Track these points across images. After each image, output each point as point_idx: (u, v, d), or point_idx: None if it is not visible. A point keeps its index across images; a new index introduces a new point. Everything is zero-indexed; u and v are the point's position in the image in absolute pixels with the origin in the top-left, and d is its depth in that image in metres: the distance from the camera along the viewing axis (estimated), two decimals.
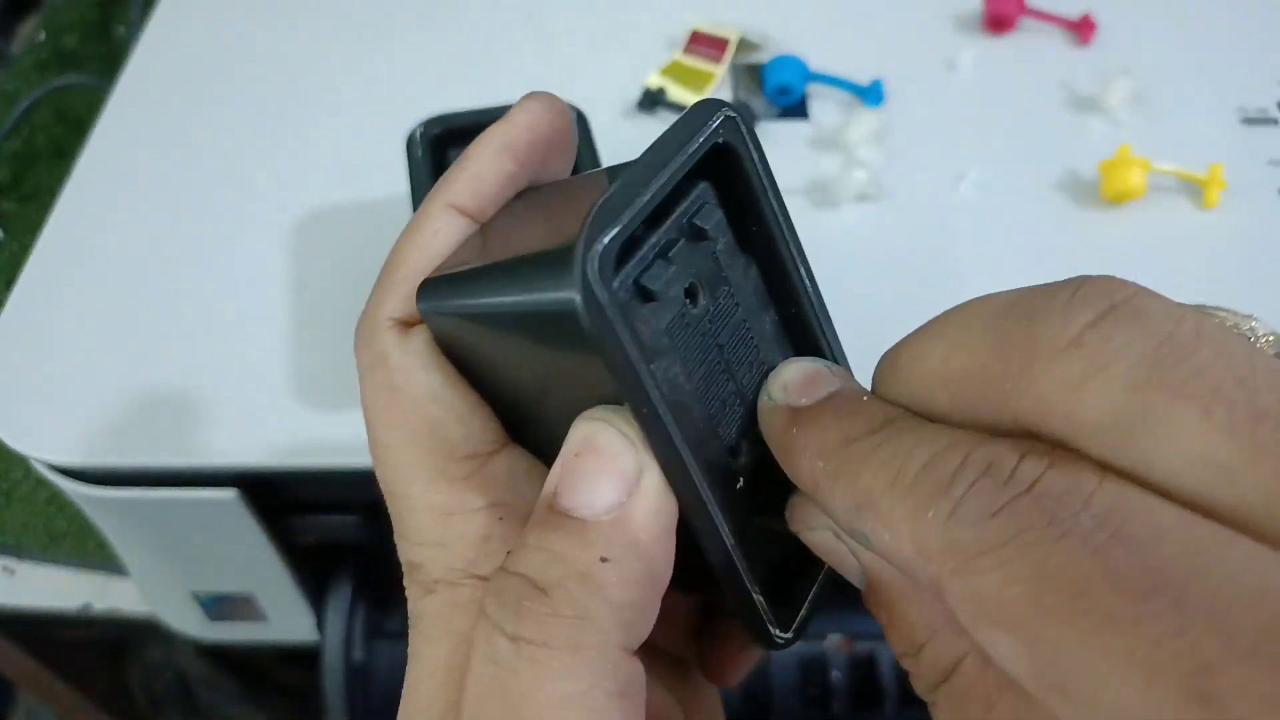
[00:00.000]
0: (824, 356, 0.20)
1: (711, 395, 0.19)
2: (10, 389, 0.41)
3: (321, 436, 0.39)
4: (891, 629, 0.17)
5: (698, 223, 0.18)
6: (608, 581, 0.16)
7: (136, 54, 0.55)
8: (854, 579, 0.18)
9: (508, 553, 0.18)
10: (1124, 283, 0.15)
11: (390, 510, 0.20)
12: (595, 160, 0.40)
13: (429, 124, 0.40)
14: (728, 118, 0.18)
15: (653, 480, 0.17)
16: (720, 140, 0.18)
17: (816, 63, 0.51)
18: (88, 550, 0.55)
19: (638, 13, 0.56)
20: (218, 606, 0.49)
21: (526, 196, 0.21)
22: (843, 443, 0.17)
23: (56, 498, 0.56)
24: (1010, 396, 0.15)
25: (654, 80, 0.51)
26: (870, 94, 0.50)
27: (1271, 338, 0.16)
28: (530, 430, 0.20)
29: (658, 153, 0.17)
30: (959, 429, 0.16)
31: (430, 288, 0.20)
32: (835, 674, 0.49)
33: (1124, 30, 0.54)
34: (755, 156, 0.19)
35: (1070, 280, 0.16)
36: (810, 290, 0.20)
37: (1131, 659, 0.12)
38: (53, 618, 0.55)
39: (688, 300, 0.18)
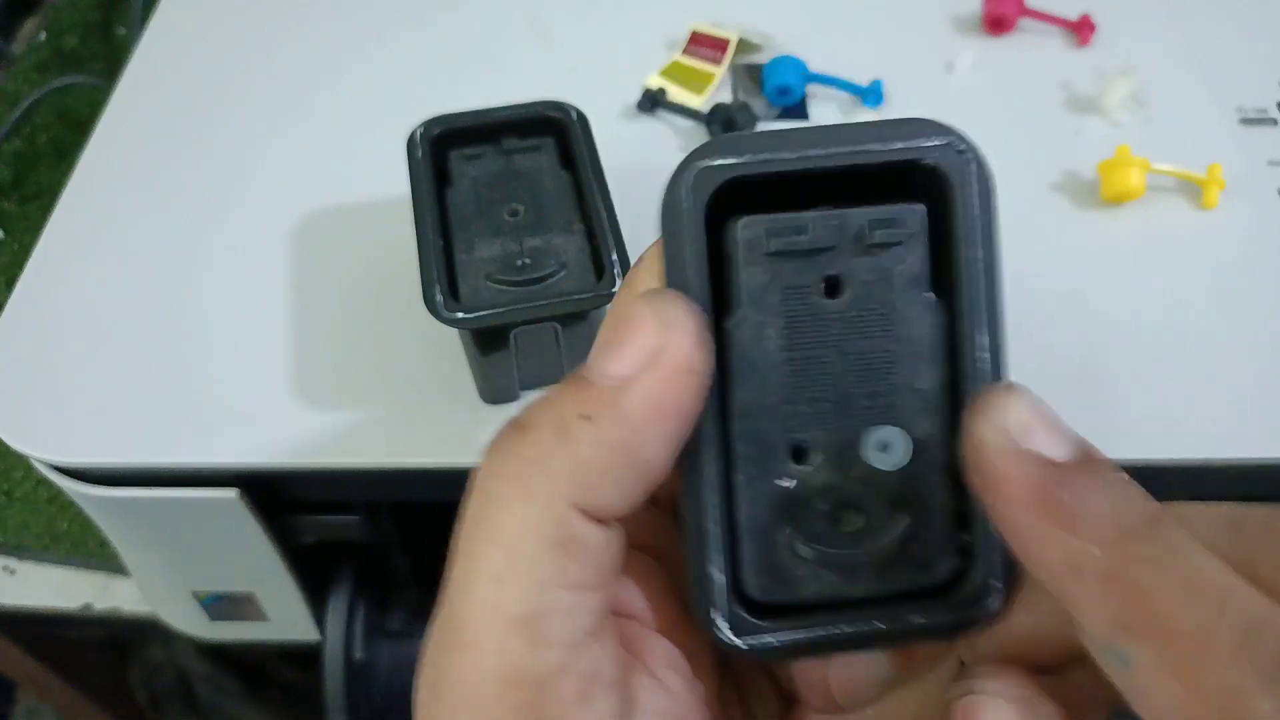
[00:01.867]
0: None
1: (801, 385, 0.18)
2: (11, 389, 0.41)
3: (322, 436, 0.39)
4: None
5: (870, 226, 0.18)
6: (580, 437, 0.17)
7: (137, 54, 0.55)
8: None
9: None
10: None
11: None
12: (595, 160, 0.40)
13: (429, 124, 0.40)
14: (952, 146, 0.18)
15: (673, 363, 0.17)
16: (930, 163, 0.18)
17: (816, 63, 0.51)
18: (88, 550, 0.55)
19: (638, 13, 0.56)
20: (218, 606, 0.49)
21: None
22: (1125, 534, 0.14)
23: (57, 497, 0.56)
24: None
25: (654, 81, 0.52)
26: (870, 94, 0.50)
27: None
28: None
29: (838, 131, 0.17)
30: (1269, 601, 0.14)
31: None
32: None
33: (1123, 31, 0.54)
34: (977, 198, 0.18)
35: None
36: (989, 365, 0.18)
37: None
38: (54, 617, 0.55)
39: (823, 285, 0.18)
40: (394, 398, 0.40)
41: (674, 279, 0.18)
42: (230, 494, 0.40)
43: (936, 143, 0.18)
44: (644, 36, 0.54)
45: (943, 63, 0.53)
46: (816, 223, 0.18)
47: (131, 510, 0.42)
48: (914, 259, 0.18)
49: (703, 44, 0.53)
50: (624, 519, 0.18)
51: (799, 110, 0.51)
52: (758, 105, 0.51)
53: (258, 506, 0.42)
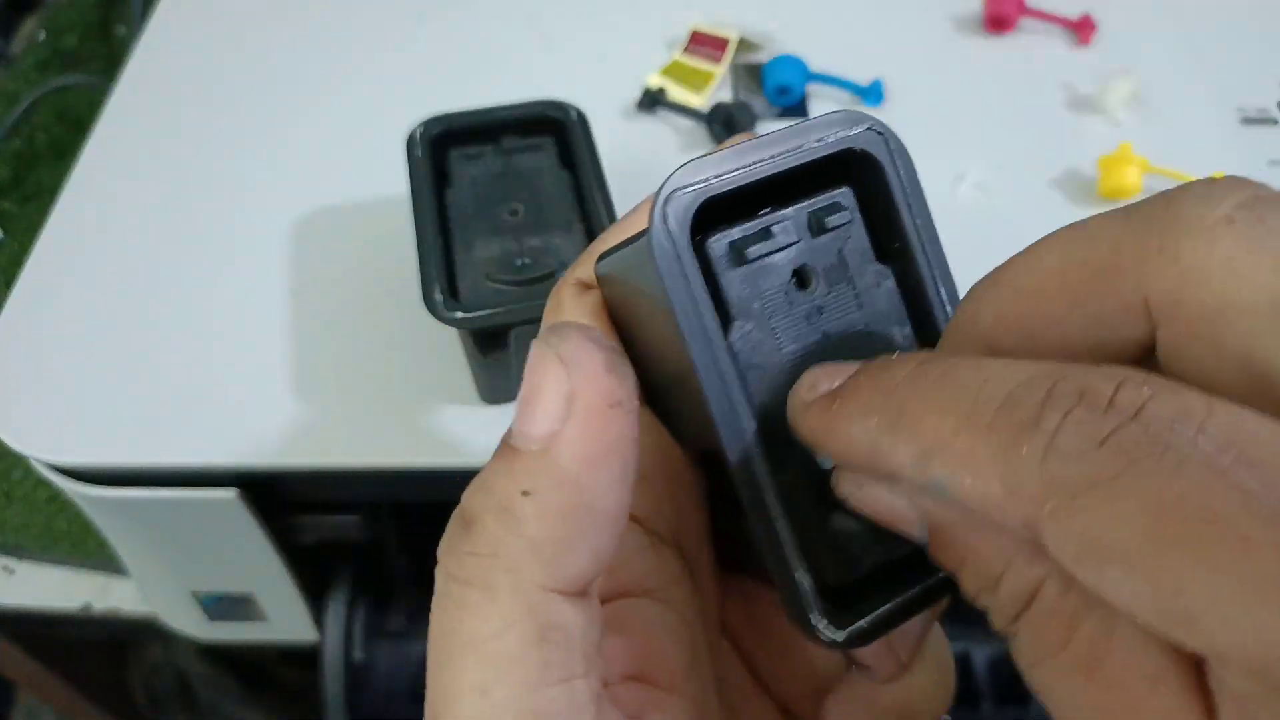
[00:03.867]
0: None
1: (790, 374, 0.19)
2: (10, 389, 0.41)
3: (321, 436, 0.39)
4: (964, 569, 0.16)
5: (820, 215, 0.19)
6: (525, 516, 0.16)
7: (137, 54, 0.55)
8: (914, 532, 0.17)
9: None
10: (1260, 182, 0.14)
11: None
12: (596, 160, 0.40)
13: (429, 124, 0.40)
14: (873, 130, 0.19)
15: (589, 403, 0.16)
16: (859, 149, 0.19)
17: (816, 63, 0.51)
18: (88, 550, 0.55)
19: (638, 13, 0.56)
20: (218, 606, 0.49)
21: None
22: (893, 389, 0.16)
23: (56, 497, 0.56)
24: (1149, 279, 0.14)
25: (654, 80, 0.51)
26: (870, 94, 0.50)
27: None
28: (661, 401, 0.21)
29: (777, 136, 0.19)
30: (1031, 361, 0.15)
31: (603, 254, 0.22)
32: None
33: (1123, 30, 0.54)
34: (901, 173, 0.20)
35: (1199, 180, 0.15)
36: (949, 311, 0.20)
37: (1268, 583, 0.11)
38: (53, 617, 0.55)
39: (794, 279, 0.19)
40: (393, 398, 0.40)
41: (683, 308, 0.18)
42: (229, 494, 0.40)
43: (861, 130, 0.19)
44: (644, 36, 0.54)
45: (943, 62, 0.52)
46: (777, 224, 0.19)
47: (131, 510, 0.42)
48: (858, 237, 0.20)
49: (703, 43, 0.53)
50: (598, 580, 0.17)
51: (799, 110, 0.51)
52: (758, 104, 0.51)
53: (257, 506, 0.41)
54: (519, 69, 0.53)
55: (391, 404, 0.40)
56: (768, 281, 0.19)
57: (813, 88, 0.51)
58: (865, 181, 0.20)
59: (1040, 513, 0.13)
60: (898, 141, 0.20)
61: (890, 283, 0.20)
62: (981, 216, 0.46)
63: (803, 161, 0.19)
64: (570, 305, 0.22)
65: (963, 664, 0.49)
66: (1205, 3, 0.56)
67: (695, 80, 0.52)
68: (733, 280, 0.19)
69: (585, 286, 0.22)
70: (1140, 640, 0.14)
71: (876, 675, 0.20)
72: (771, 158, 0.18)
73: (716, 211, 0.19)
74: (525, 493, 0.16)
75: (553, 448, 0.16)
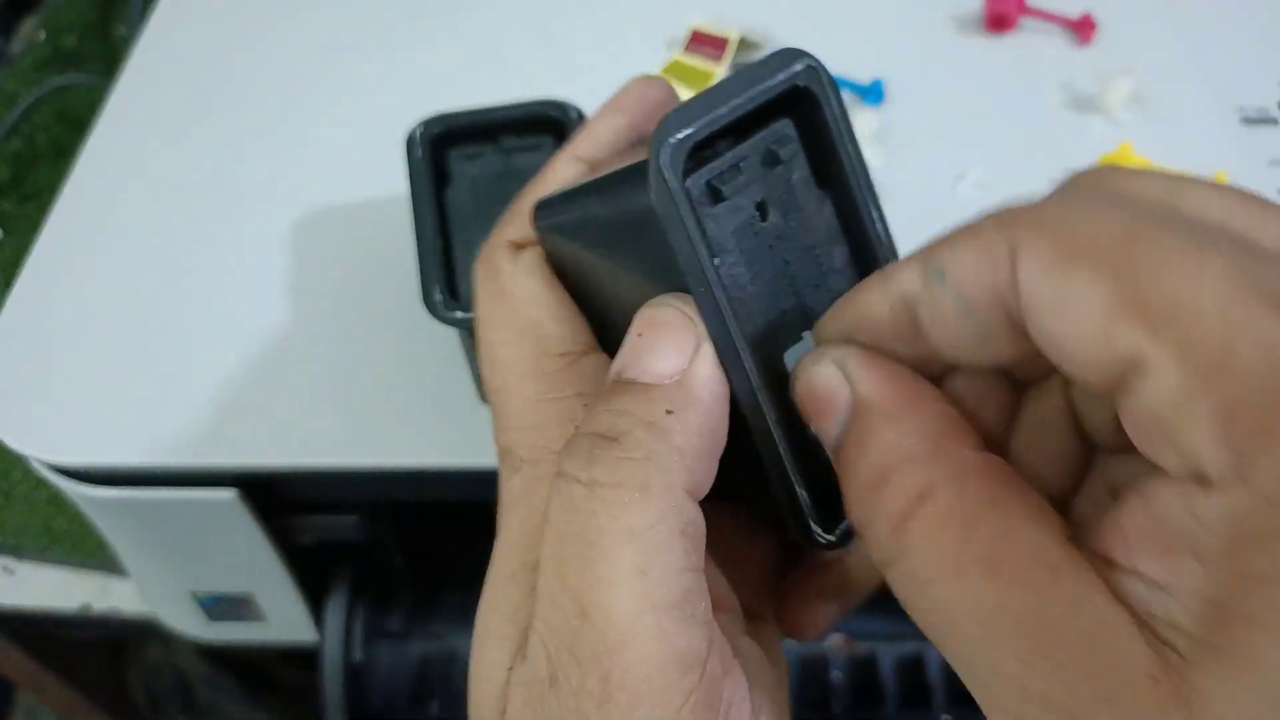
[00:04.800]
0: None
1: (774, 304, 0.21)
2: (10, 389, 0.41)
3: (321, 436, 0.39)
4: (861, 461, 0.18)
5: (773, 149, 0.21)
6: (672, 429, 0.18)
7: (136, 53, 0.55)
8: (834, 427, 0.19)
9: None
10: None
11: (492, 405, 0.23)
12: None
13: (429, 124, 0.40)
14: (809, 66, 0.21)
15: (710, 349, 0.19)
16: (800, 84, 0.21)
17: None
18: (87, 550, 0.55)
19: (638, 13, 0.56)
20: (217, 606, 0.49)
21: (637, 147, 0.24)
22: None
23: (56, 498, 0.56)
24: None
25: None
26: (871, 94, 0.50)
27: None
28: (615, 339, 0.22)
29: (735, 81, 0.20)
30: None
31: (543, 205, 0.23)
32: (835, 674, 0.49)
33: (1124, 30, 0.54)
34: (834, 104, 0.21)
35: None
36: (879, 228, 0.22)
37: (1214, 274, 0.13)
38: (52, 618, 0.55)
39: (757, 213, 0.21)
40: (393, 398, 0.40)
41: (683, 252, 0.19)
42: (229, 494, 0.40)
43: (801, 66, 0.21)
44: (644, 35, 0.54)
45: (944, 62, 0.52)
46: (743, 160, 0.20)
47: (130, 510, 0.42)
48: (800, 166, 0.21)
49: (703, 43, 0.53)
50: None
51: None
52: None
53: (256, 507, 0.41)
54: (519, 68, 0.53)
55: (391, 404, 0.40)
56: (738, 215, 0.20)
57: None
58: (804, 113, 0.21)
59: (1026, 236, 0.15)
60: (829, 75, 0.21)
61: (829, 207, 0.22)
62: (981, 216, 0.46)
63: (764, 101, 0.20)
64: (509, 268, 0.23)
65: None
66: (1206, 3, 0.55)
67: (695, 80, 0.52)
68: (712, 217, 0.20)
69: (518, 246, 0.23)
70: (1037, 533, 0.15)
71: (819, 560, 0.23)
72: (741, 100, 0.20)
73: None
74: (669, 411, 0.19)
75: (687, 380, 0.19)
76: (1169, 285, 0.13)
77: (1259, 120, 0.49)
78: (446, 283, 0.36)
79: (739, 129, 0.21)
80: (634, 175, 0.20)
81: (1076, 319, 0.14)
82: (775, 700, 0.19)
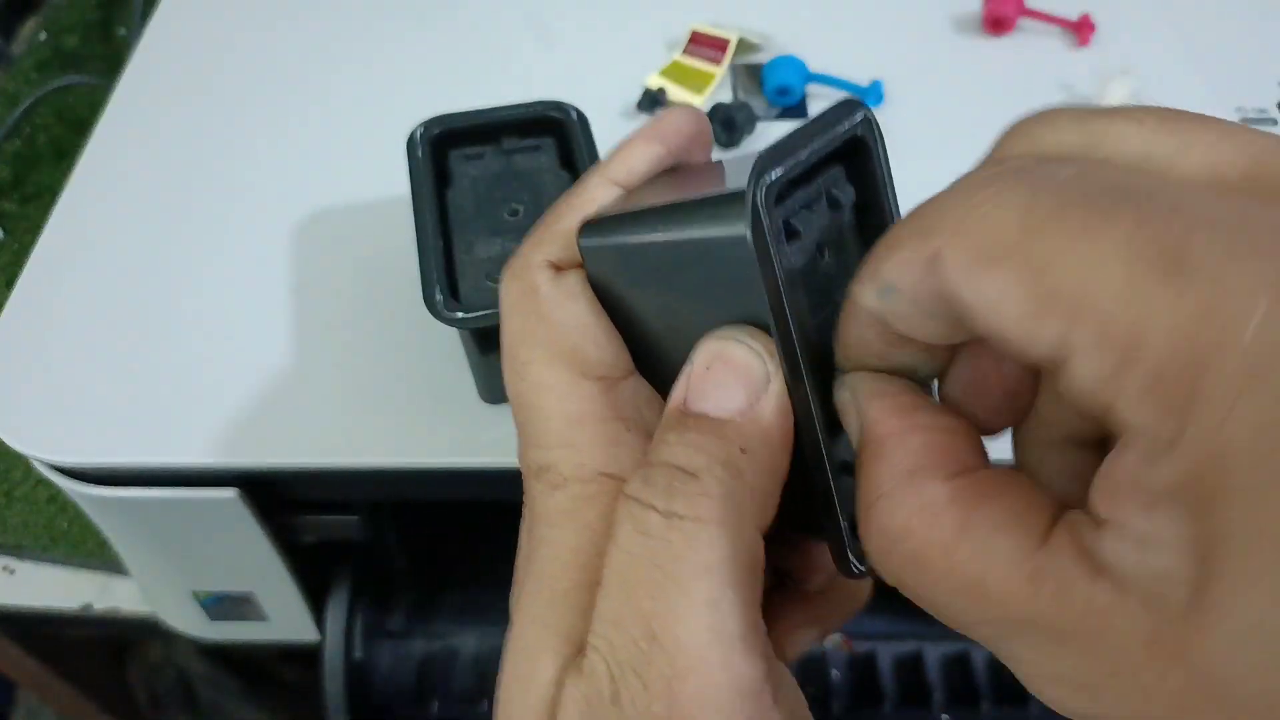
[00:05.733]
0: None
1: (826, 340, 0.21)
2: (10, 389, 0.41)
3: (322, 436, 0.39)
4: (858, 492, 0.18)
5: (835, 193, 0.22)
6: (747, 468, 0.19)
7: (137, 54, 0.55)
8: (853, 432, 0.19)
9: (647, 451, 0.20)
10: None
11: (519, 423, 0.23)
12: (596, 160, 0.40)
13: (429, 125, 0.40)
14: (866, 119, 0.22)
15: (778, 386, 0.20)
16: (859, 134, 0.22)
17: (816, 63, 0.51)
18: (88, 550, 0.55)
19: (638, 13, 0.56)
20: (218, 606, 0.49)
21: (667, 175, 0.25)
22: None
23: (57, 497, 0.56)
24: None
25: (654, 81, 0.52)
26: (870, 94, 0.50)
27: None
28: (658, 368, 0.23)
29: (809, 129, 0.21)
30: (992, 162, 0.18)
31: (594, 226, 0.23)
32: (835, 673, 0.49)
33: (1123, 31, 0.54)
34: (883, 154, 0.22)
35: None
36: None
37: (1109, 253, 0.14)
38: (53, 617, 0.55)
39: (819, 252, 0.21)
40: (394, 398, 0.40)
41: (769, 287, 0.20)
42: (230, 494, 0.40)
43: (860, 117, 0.22)
44: (644, 36, 0.54)
45: (943, 63, 0.52)
46: (814, 202, 0.21)
47: (131, 510, 0.42)
48: (849, 213, 0.22)
49: (703, 44, 0.53)
50: None
51: (799, 110, 0.51)
52: (757, 105, 0.51)
53: (257, 506, 0.42)
54: (519, 69, 0.53)
55: (392, 404, 0.40)
56: (805, 254, 0.21)
57: (812, 88, 0.51)
58: (855, 161, 0.22)
59: (941, 243, 0.16)
60: (879, 127, 0.22)
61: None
62: None
63: (835, 146, 0.21)
64: (550, 290, 0.23)
65: (962, 664, 0.49)
66: (1204, 3, 0.56)
67: (695, 81, 0.52)
68: (785, 255, 0.20)
69: (557, 267, 0.23)
70: (1013, 545, 0.16)
71: (806, 586, 0.25)
72: (817, 146, 0.21)
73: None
74: (743, 450, 0.19)
75: (757, 416, 0.20)
76: (1073, 272, 0.14)
77: (1258, 121, 0.49)
78: (447, 283, 0.36)
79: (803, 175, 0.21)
80: (724, 205, 0.20)
81: (1002, 318, 0.15)
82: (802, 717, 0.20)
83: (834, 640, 0.49)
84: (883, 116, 0.51)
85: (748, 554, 0.19)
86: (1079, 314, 0.14)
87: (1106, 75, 0.50)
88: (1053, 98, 0.51)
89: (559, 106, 0.41)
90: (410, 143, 0.40)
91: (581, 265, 0.23)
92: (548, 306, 0.22)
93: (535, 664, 0.20)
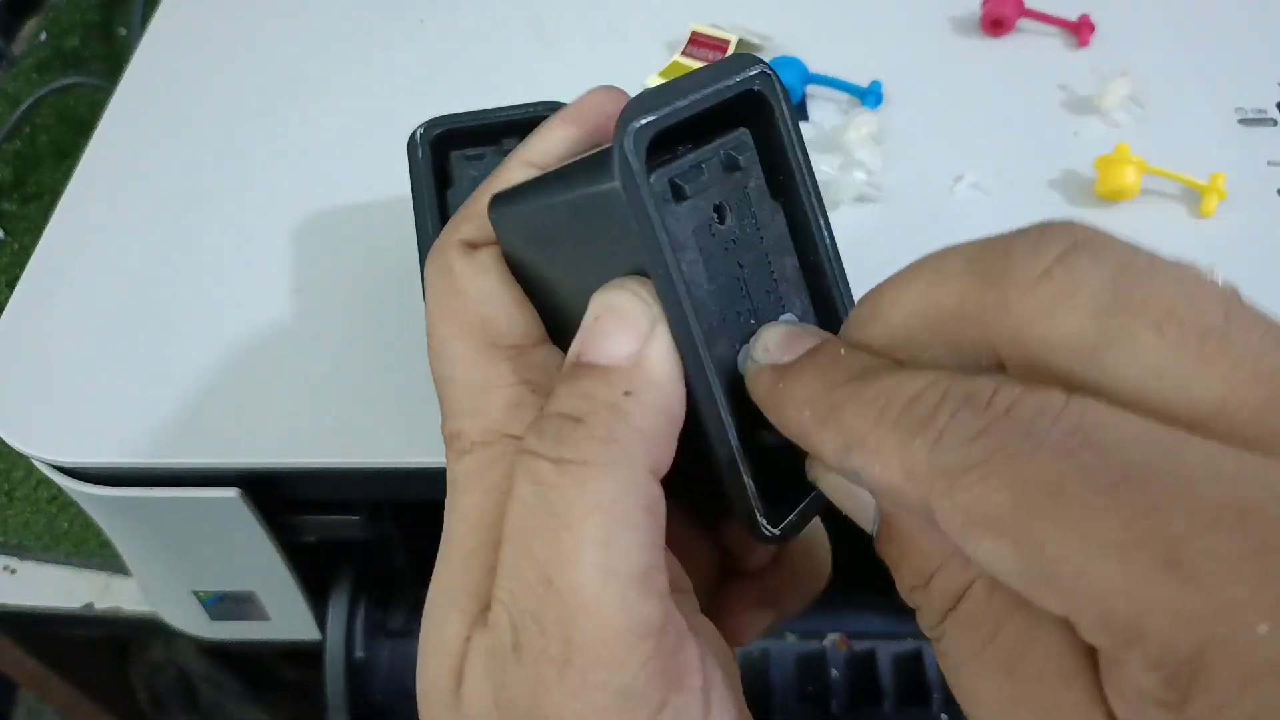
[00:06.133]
0: (836, 304, 0.23)
1: (727, 305, 0.21)
2: (11, 389, 0.41)
3: (322, 436, 0.39)
4: (903, 563, 0.19)
5: (732, 154, 0.21)
6: (632, 410, 0.19)
7: (138, 55, 0.55)
8: (867, 523, 0.20)
9: (543, 406, 0.20)
10: (1083, 225, 0.17)
11: (439, 396, 0.23)
12: None
13: (430, 125, 0.40)
14: (764, 73, 0.21)
15: (664, 330, 0.20)
16: (755, 88, 0.21)
17: (815, 64, 0.51)
18: (89, 549, 0.56)
19: (637, 14, 0.56)
20: (219, 605, 0.49)
21: (584, 152, 0.25)
22: (826, 389, 0.19)
23: (58, 497, 0.57)
24: (989, 325, 0.17)
25: (654, 81, 0.52)
26: (869, 95, 0.50)
27: (1221, 278, 0.18)
28: (571, 329, 0.23)
29: (693, 78, 0.20)
30: (936, 370, 0.18)
31: (499, 198, 0.23)
32: (834, 672, 0.49)
33: (1122, 31, 0.54)
34: (786, 113, 0.21)
35: (1035, 224, 0.18)
36: (827, 242, 0.22)
37: (1107, 541, 0.14)
38: (55, 617, 0.56)
39: (715, 216, 0.21)
40: (394, 398, 0.40)
41: (644, 235, 0.20)
42: (231, 493, 0.40)
43: (756, 71, 0.21)
44: (644, 36, 0.55)
45: (942, 63, 0.53)
46: (705, 161, 0.21)
47: (132, 510, 0.42)
48: (756, 174, 0.22)
49: (703, 44, 0.53)
50: None
51: (799, 111, 0.51)
52: None
53: (258, 506, 0.42)
54: (519, 70, 0.53)
55: (393, 404, 0.40)
56: (698, 216, 0.21)
57: (811, 89, 0.52)
58: (758, 122, 0.22)
59: (932, 493, 0.16)
60: (783, 84, 0.21)
61: (781, 218, 0.22)
62: (980, 217, 0.46)
63: (720, 100, 0.21)
64: (462, 266, 0.23)
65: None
66: (1205, 3, 0.56)
67: None
68: (673, 214, 0.20)
69: (471, 246, 0.24)
70: (1057, 642, 0.16)
71: (750, 567, 0.25)
72: (699, 96, 0.20)
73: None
74: (627, 393, 0.19)
75: (641, 361, 0.20)
76: (1071, 559, 0.14)
77: (1257, 121, 0.49)
78: None
79: (697, 134, 0.21)
80: (598, 161, 0.20)
81: (997, 572, 0.15)
82: (729, 675, 0.20)
83: (833, 639, 0.49)
84: (883, 116, 0.52)
85: (641, 495, 0.19)
86: (1078, 599, 0.14)
87: (1106, 76, 0.50)
88: (1052, 98, 0.51)
89: (559, 107, 0.41)
90: (411, 143, 0.40)
91: (496, 242, 0.24)
92: (460, 282, 0.23)
93: (445, 624, 0.21)
